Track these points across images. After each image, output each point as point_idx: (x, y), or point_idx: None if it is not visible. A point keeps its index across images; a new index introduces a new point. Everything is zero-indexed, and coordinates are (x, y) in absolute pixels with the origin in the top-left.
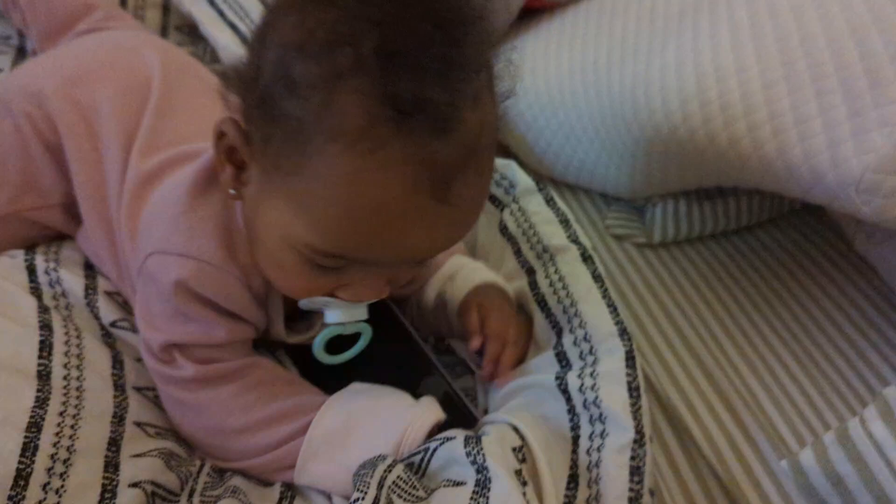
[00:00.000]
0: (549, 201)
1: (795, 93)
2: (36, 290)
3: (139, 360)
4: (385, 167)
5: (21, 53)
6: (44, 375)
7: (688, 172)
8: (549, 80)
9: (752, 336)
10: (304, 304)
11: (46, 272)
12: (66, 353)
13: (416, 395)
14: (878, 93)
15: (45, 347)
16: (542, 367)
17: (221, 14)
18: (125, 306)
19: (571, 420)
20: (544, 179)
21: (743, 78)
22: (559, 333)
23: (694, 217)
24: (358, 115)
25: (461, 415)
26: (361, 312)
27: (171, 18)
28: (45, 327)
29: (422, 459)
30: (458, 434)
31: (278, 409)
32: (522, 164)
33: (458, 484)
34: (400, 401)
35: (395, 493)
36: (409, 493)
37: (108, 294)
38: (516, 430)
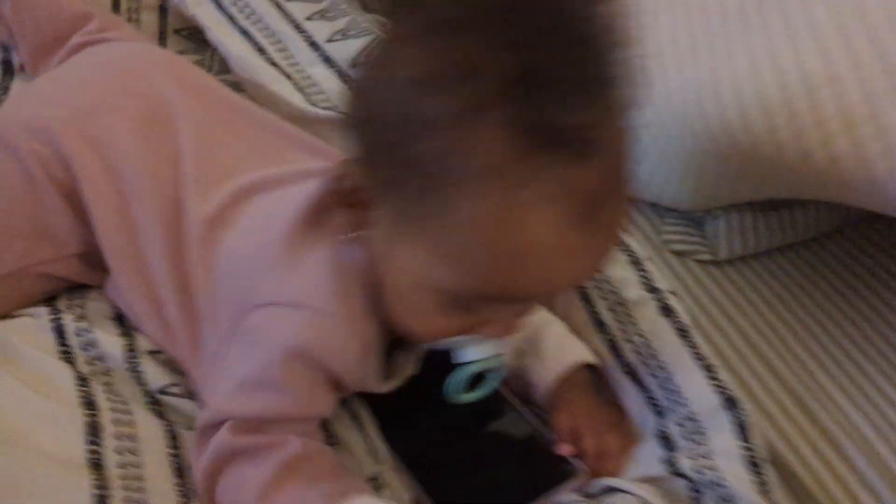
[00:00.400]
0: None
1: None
2: (68, 356)
3: (191, 428)
4: (535, 204)
5: (7, 67)
6: (97, 465)
7: (766, 187)
8: None
9: (840, 360)
10: (440, 348)
11: (78, 333)
12: (117, 435)
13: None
14: None
15: (93, 429)
16: (644, 456)
17: (231, 18)
18: (175, 368)
19: (696, 498)
20: None
21: (838, 89)
22: (659, 413)
23: (760, 230)
24: (503, 151)
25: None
26: (494, 347)
27: (168, 21)
28: (89, 403)
29: None
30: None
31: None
32: None
33: None
34: None
35: None
36: None
37: (152, 354)
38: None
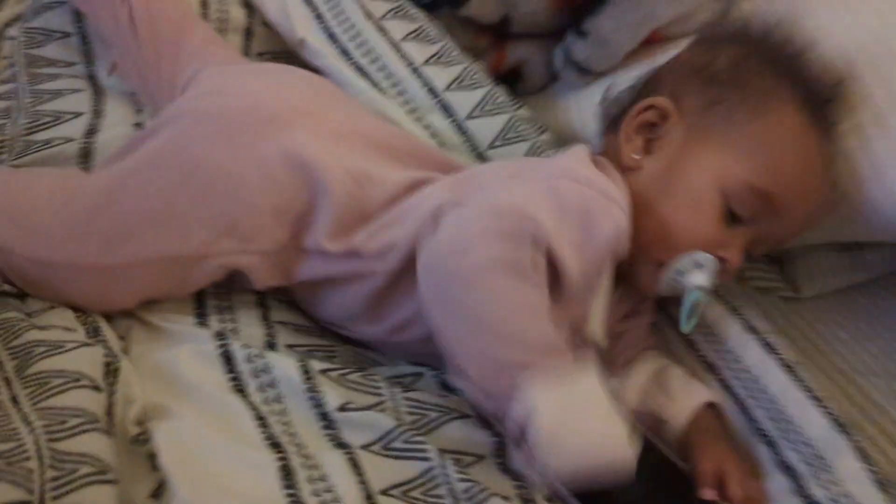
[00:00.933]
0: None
1: None
2: (238, 386)
3: (366, 446)
4: (816, 136)
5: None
6: None
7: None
8: None
9: None
10: (676, 267)
11: (249, 359)
12: (309, 479)
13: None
14: None
15: (287, 474)
16: (774, 490)
17: (346, 52)
18: (341, 381)
19: None
20: None
21: None
22: (771, 444)
23: (841, 269)
24: (796, 100)
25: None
26: (712, 277)
27: (253, 45)
28: (275, 445)
29: None
30: None
31: None
32: None
33: None
34: None
35: None
36: None
37: (325, 373)
38: None
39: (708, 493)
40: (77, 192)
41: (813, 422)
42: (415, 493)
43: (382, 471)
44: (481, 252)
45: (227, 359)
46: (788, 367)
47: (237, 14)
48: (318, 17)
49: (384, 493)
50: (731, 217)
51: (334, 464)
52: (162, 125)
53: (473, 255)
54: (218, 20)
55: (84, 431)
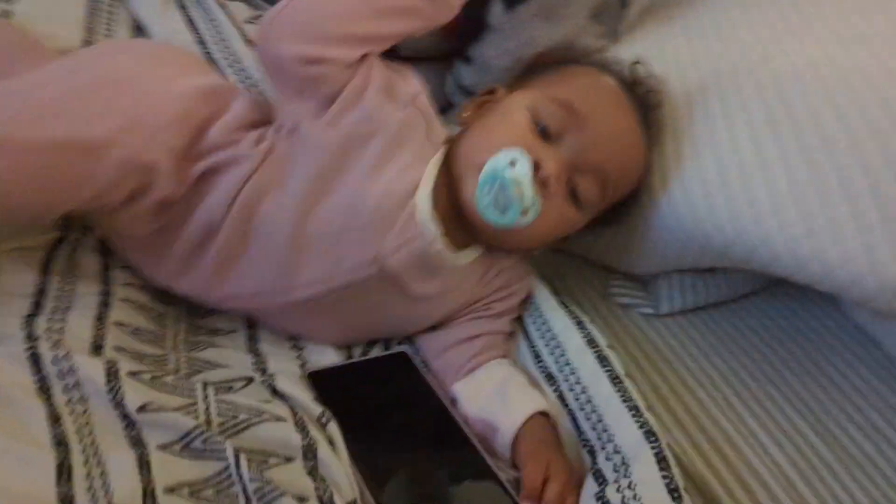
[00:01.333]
0: (564, 305)
1: (824, 195)
2: (44, 387)
3: (164, 446)
4: (635, 109)
5: None
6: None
7: (706, 259)
8: None
9: (767, 406)
10: (492, 165)
11: (55, 361)
12: (87, 476)
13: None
14: None
15: (64, 471)
16: (584, 495)
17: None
18: (151, 384)
19: None
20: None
21: (768, 176)
22: (591, 452)
23: (699, 289)
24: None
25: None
26: (530, 188)
27: None
28: (61, 443)
29: None
30: None
31: None
32: None
33: None
34: None
35: None
36: None
37: (131, 375)
38: None
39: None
40: None
41: (626, 431)
42: (206, 493)
43: (174, 470)
44: None
45: (35, 361)
46: (616, 380)
47: None
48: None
49: (170, 490)
50: (544, 134)
51: (121, 462)
52: None
53: None
54: None
55: None
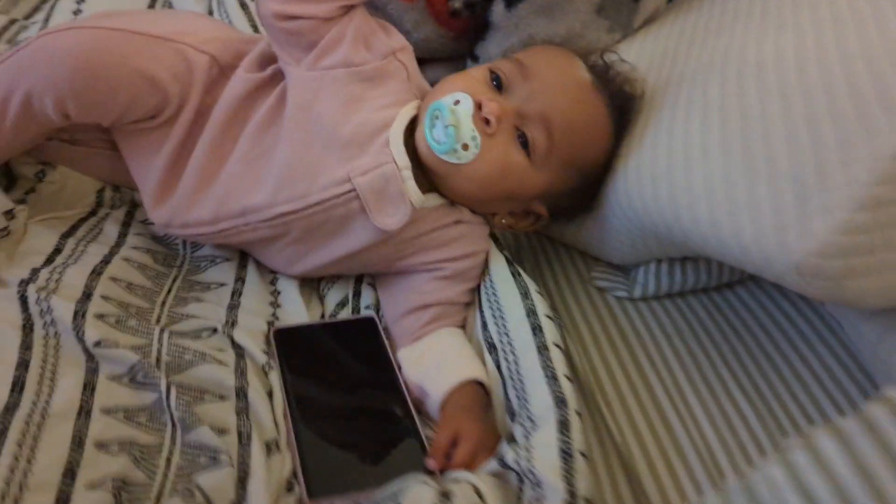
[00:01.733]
0: (516, 275)
1: (751, 178)
2: (28, 324)
3: (113, 377)
4: (598, 90)
5: None
6: (10, 408)
7: (667, 248)
8: None
9: (716, 389)
10: (441, 102)
11: (38, 302)
12: (38, 391)
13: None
14: (822, 179)
15: (17, 385)
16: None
17: None
18: (115, 325)
19: (520, 486)
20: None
21: (707, 162)
22: (511, 417)
23: (675, 275)
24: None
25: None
26: (467, 118)
27: None
28: (22, 365)
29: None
30: (427, 489)
31: None
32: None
33: None
34: None
35: None
36: None
37: (98, 317)
38: (478, 491)
39: (430, 463)
40: None
41: (540, 397)
42: (140, 418)
43: (115, 396)
44: None
45: (24, 301)
46: (543, 348)
47: None
48: None
49: (106, 412)
50: (498, 87)
51: (69, 384)
52: None
53: None
54: None
55: None
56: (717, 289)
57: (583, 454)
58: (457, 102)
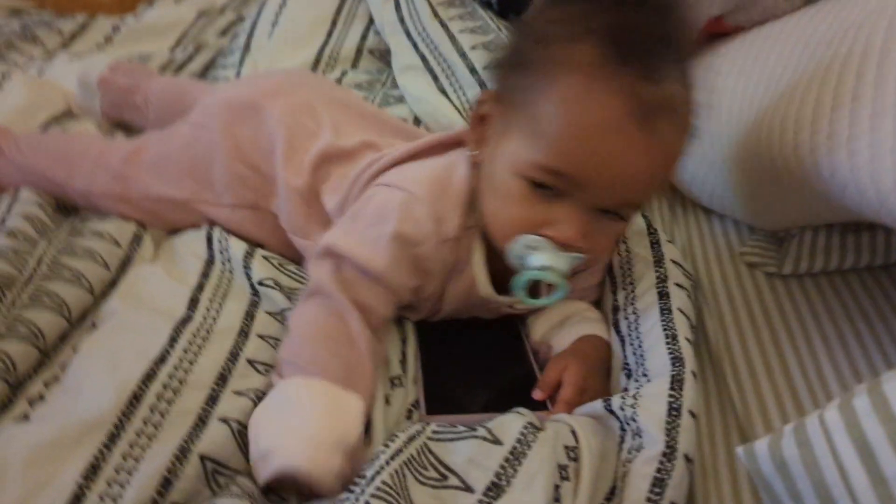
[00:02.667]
0: (654, 244)
1: None
2: (210, 257)
3: (270, 313)
4: (607, 93)
5: None
6: (185, 320)
7: (827, 212)
8: None
9: (865, 376)
10: (514, 252)
11: (219, 240)
12: (208, 309)
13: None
14: None
15: (193, 302)
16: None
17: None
18: (278, 267)
19: (622, 436)
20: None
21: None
22: (628, 375)
23: (832, 250)
24: (591, 59)
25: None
26: (562, 263)
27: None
28: (200, 287)
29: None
30: (520, 419)
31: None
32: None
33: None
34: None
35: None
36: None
37: (265, 258)
38: (574, 432)
39: (536, 394)
40: (107, 149)
41: (657, 356)
42: None
43: (269, 327)
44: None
45: (209, 240)
46: (666, 311)
47: None
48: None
49: (260, 337)
50: (548, 191)
51: (234, 309)
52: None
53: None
54: None
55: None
56: (884, 268)
57: (692, 413)
58: (532, 248)
